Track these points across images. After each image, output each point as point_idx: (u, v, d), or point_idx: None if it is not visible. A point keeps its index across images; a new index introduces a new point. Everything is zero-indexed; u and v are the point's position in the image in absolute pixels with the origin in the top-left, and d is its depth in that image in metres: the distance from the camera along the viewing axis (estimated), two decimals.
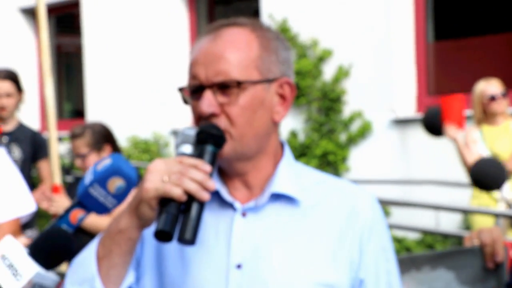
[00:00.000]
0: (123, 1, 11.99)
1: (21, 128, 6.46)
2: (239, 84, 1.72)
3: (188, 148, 1.70)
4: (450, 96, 6.93)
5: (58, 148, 5.46)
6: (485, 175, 6.00)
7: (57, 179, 5.06)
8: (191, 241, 1.59)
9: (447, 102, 6.80)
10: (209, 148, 1.67)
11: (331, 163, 9.48)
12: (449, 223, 8.27)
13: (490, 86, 6.71)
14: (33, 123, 12.33)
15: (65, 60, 14.46)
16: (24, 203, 4.00)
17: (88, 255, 1.72)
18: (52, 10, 13.10)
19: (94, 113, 11.78)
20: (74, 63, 13.67)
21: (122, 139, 9.94)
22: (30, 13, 13.52)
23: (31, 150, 6.34)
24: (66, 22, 14.14)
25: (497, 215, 6.29)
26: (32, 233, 5.49)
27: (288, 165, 1.85)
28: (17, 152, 6.19)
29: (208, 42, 1.76)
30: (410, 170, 9.02)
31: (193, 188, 1.57)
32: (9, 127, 6.32)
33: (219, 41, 1.74)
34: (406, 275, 2.51)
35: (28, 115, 12.79)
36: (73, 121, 10.51)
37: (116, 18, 12.26)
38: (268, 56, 1.77)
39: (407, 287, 2.53)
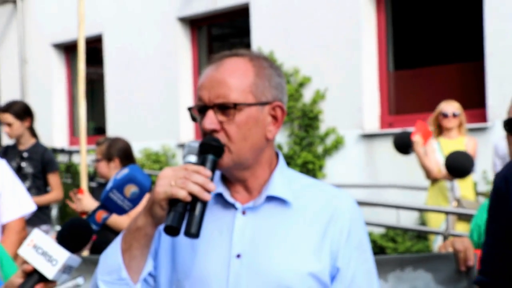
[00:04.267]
0: (138, 39, 12.17)
1: (35, 147, 6.55)
2: (235, 106, 1.74)
3: (192, 158, 1.73)
4: (423, 122, 7.02)
5: (86, 159, 5.65)
6: (457, 164, 6.32)
7: (84, 184, 5.22)
8: (196, 235, 1.63)
9: (419, 124, 6.92)
10: (209, 157, 1.70)
11: (310, 171, 9.54)
12: (408, 220, 8.34)
13: (446, 106, 6.81)
14: (62, 138, 13.31)
15: (89, 87, 14.56)
16: (26, 204, 4.26)
17: (114, 250, 1.77)
18: (74, 45, 13.46)
19: (113, 130, 11.85)
20: (97, 89, 13.74)
21: (136, 151, 9.71)
22: (62, 47, 13.82)
23: (40, 165, 6.40)
24: (90, 54, 14.10)
25: (447, 213, 6.21)
26: (47, 228, 5.76)
27: (281, 172, 1.87)
28: (29, 168, 6.26)
29: (212, 70, 1.79)
30: (375, 176, 9.18)
31: (196, 190, 1.61)
32: (23, 146, 6.44)
33: (221, 69, 1.77)
34: (391, 274, 2.62)
35: (58, 132, 13.62)
36: (96, 137, 9.66)
37: (132, 53, 12.41)
38: (262, 82, 1.79)
39: (392, 284, 2.66)
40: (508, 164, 2.21)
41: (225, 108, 1.75)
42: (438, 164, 6.67)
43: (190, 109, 1.81)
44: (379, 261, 2.37)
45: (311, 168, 9.58)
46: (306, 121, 9.76)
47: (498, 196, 2.16)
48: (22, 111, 6.37)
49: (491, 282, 2.14)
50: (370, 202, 8.23)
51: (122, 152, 5.23)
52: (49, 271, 1.75)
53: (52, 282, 1.76)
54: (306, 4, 9.98)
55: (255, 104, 1.78)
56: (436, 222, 6.82)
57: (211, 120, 1.73)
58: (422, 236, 8.30)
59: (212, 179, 1.67)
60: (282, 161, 1.89)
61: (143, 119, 11.80)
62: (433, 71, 9.45)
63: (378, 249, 8.52)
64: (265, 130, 1.79)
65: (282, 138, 9.98)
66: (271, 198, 1.82)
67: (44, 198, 6.20)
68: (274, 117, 1.80)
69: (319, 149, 9.66)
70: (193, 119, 1.82)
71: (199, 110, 1.76)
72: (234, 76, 1.77)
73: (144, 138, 11.47)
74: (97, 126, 13.41)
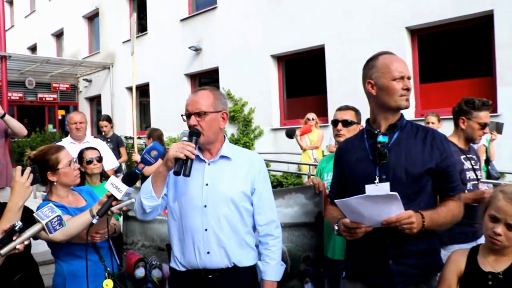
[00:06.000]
0: (169, 85, 15.16)
1: (113, 135, 8.18)
2: (205, 113, 2.38)
3: (185, 138, 2.38)
4: (309, 125, 8.55)
5: (137, 142, 7.12)
6: (288, 133, 8.49)
7: (136, 150, 6.54)
8: (188, 175, 2.27)
9: (306, 126, 8.50)
10: (194, 138, 2.35)
11: (247, 147, 11.66)
12: (292, 168, 10.37)
13: (310, 115, 8.57)
14: (130, 131, 16.57)
15: (143, 105, 17.45)
16: (114, 162, 5.68)
17: (148, 182, 2.42)
18: (137, 87, 15.85)
19: (154, 125, 13.73)
20: (146, 106, 16.88)
21: (166, 137, 11.84)
22: (129, 89, 17.34)
23: (116, 144, 7.97)
24: (143, 93, 16.90)
25: (310, 165, 7.77)
26: (120, 174, 5.75)
27: (227, 144, 2.57)
28: (110, 145, 7.39)
29: (193, 95, 2.49)
30: (277, 148, 11.83)
31: (187, 153, 2.24)
32: (108, 135, 8.11)
33: (197, 95, 2.48)
34: (285, 195, 3.40)
35: (128, 128, 17.05)
36: (145, 131, 10.28)
37: (161, 90, 15.65)
38: (217, 100, 2.49)
39: (281, 202, 3.28)
40: (345, 140, 2.72)
41: (199, 114, 2.39)
42: (306, 143, 8.50)
43: (182, 115, 2.47)
44: (283, 191, 3.48)
45: (248, 146, 12.23)
46: (245, 123, 12.72)
47: (336, 156, 2.63)
48: (110, 119, 8.46)
49: (334, 196, 2.54)
50: (275, 160, 10.02)
51: (157, 136, 6.76)
52: (118, 195, 2.38)
53: (120, 200, 2.42)
54: (251, 64, 12.53)
55: (214, 112, 2.43)
56: (305, 168, 8.68)
57: (193, 120, 2.38)
58: (299, 176, 9.81)
59: (195, 148, 2.28)
60: (227, 139, 2.57)
61: (169, 122, 13.57)
62: (309, 98, 11.61)
63: (279, 183, 10.40)
64: (219, 124, 2.47)
65: (234, 131, 12.91)
66: (222, 157, 2.51)
67: (120, 160, 7.45)
68: (223, 118, 2.48)
69: (251, 136, 12.63)
70: (184, 120, 2.48)
71: (187, 116, 2.43)
72: (203, 99, 2.45)
73: (170, 131, 13.34)
74: (147, 125, 16.59)
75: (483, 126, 3.57)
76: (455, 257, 2.23)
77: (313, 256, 3.38)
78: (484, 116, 3.55)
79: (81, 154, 4.26)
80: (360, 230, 2.20)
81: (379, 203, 2.07)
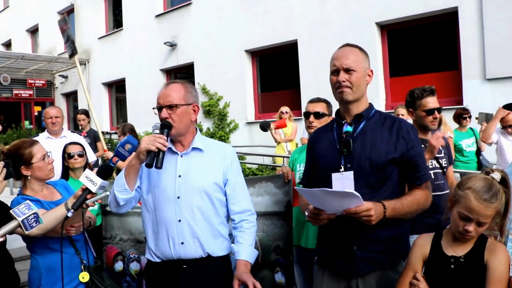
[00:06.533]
0: (145, 80, 15.00)
1: (90, 130, 7.68)
2: (176, 106, 2.39)
3: (157, 131, 2.40)
4: (283, 119, 8.58)
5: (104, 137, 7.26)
6: (263, 126, 8.28)
7: (105, 147, 6.82)
8: (160, 167, 2.29)
9: (279, 121, 8.47)
10: (165, 130, 2.36)
11: (223, 140, 11.80)
12: (266, 160, 10.64)
13: (284, 109, 8.65)
14: (107, 126, 16.96)
15: (119, 101, 17.54)
16: (92, 156, 5.58)
17: (121, 175, 2.41)
18: (114, 83, 16.85)
19: (130, 121, 11.87)
20: (122, 102, 16.98)
21: (142, 132, 12.84)
22: (106, 85, 17.66)
23: (93, 138, 7.48)
24: (119, 88, 17.24)
25: (283, 157, 7.94)
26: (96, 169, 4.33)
27: (199, 136, 2.57)
28: (87, 139, 6.99)
29: (164, 89, 2.49)
30: (251, 141, 11.94)
31: (159, 146, 2.26)
32: (84, 130, 7.64)
33: (168, 88, 2.49)
34: (256, 184, 3.48)
35: (105, 122, 17.13)
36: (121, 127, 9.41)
37: (137, 86, 15.54)
38: (188, 93, 2.49)
39: (252, 191, 3.31)
40: (316, 129, 2.74)
41: (171, 107, 2.40)
42: (280, 136, 8.52)
43: (154, 108, 2.49)
44: (253, 179, 3.56)
45: (223, 139, 12.19)
46: (221, 117, 12.80)
47: (308, 145, 2.67)
48: (87, 113, 7.94)
49: (305, 183, 2.62)
50: (250, 153, 10.71)
51: (129, 129, 6.56)
52: (93, 188, 2.41)
53: (95, 193, 2.45)
54: (226, 59, 12.58)
55: (185, 104, 2.44)
56: (279, 161, 8.86)
57: (165, 113, 2.40)
58: (273, 168, 9.66)
59: (166, 140, 2.30)
60: (199, 132, 2.58)
61: (143, 117, 13.01)
62: (284, 92, 11.76)
63: (254, 175, 9.94)
64: (190, 117, 2.49)
65: (210, 125, 12.96)
66: (194, 148, 2.51)
67: (97, 154, 7.07)
68: (194, 111, 2.50)
69: (227, 130, 12.73)
70: (156, 113, 2.49)
71: (158, 109, 2.45)
72: (174, 92, 2.45)
73: (143, 126, 13.05)
74: (123, 120, 16.18)
75: (430, 111, 3.48)
76: (420, 242, 2.23)
77: (283, 246, 3.43)
78: (427, 102, 3.47)
79: (64, 149, 4.28)
80: (322, 216, 2.21)
81: (338, 197, 2.08)
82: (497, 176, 2.05)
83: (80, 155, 4.22)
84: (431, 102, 3.49)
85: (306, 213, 2.31)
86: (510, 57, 8.03)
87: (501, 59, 8.12)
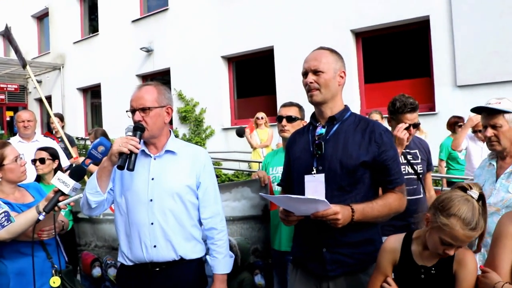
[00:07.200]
0: (121, 85, 14.46)
1: (65, 134, 7.21)
2: (149, 108, 2.39)
3: (130, 133, 2.53)
4: (252, 123, 8.97)
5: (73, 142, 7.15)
6: (239, 132, 9.03)
7: (81, 160, 6.03)
8: (132, 169, 2.27)
9: (250, 124, 9.01)
10: (138, 133, 2.36)
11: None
12: (242, 166, 10.82)
13: (259, 114, 8.86)
14: (82, 132, 16.76)
15: (94, 106, 17.46)
16: (65, 161, 5.47)
17: (93, 177, 2.38)
18: (89, 88, 16.60)
19: (106, 127, 11.29)
20: (97, 107, 16.77)
21: (114, 137, 12.95)
22: (81, 90, 17.43)
23: (70, 143, 7.00)
24: (94, 94, 17.17)
25: (259, 162, 7.78)
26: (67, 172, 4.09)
27: (172, 139, 2.56)
28: (62, 144, 6.69)
29: (137, 91, 2.49)
30: (227, 147, 11.90)
31: (131, 148, 2.25)
32: (58, 135, 7.25)
33: (141, 90, 2.49)
34: (232, 189, 3.42)
35: (80, 129, 16.95)
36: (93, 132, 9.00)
37: (113, 91, 15.15)
38: (161, 96, 2.48)
39: (229, 196, 3.32)
40: (294, 132, 2.70)
41: (144, 110, 2.39)
42: (256, 141, 8.76)
43: (127, 111, 2.44)
44: (230, 184, 3.55)
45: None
46: (197, 123, 12.77)
47: (286, 147, 2.69)
48: (62, 117, 8.29)
49: (283, 184, 2.66)
50: (226, 158, 11.19)
51: (102, 134, 6.55)
52: (65, 190, 2.37)
53: (67, 195, 2.39)
54: (202, 64, 12.56)
55: (158, 107, 2.43)
56: (255, 166, 8.81)
57: (138, 116, 2.39)
58: (249, 174, 9.80)
59: (139, 143, 2.31)
60: (172, 134, 2.57)
61: (116, 122, 12.01)
62: (259, 98, 11.85)
63: (230, 181, 9.49)
64: (164, 119, 2.48)
65: (186, 131, 12.93)
66: (167, 151, 2.51)
67: (71, 160, 6.63)
68: (168, 113, 2.49)
69: (203, 136, 12.69)
70: (129, 116, 2.47)
71: (131, 112, 2.44)
72: (147, 94, 2.44)
73: (117, 131, 9.74)
74: (99, 126, 15.40)
75: (407, 127, 3.45)
76: (389, 246, 2.19)
77: (262, 248, 3.43)
78: (405, 118, 3.45)
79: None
80: (292, 218, 2.21)
81: (305, 202, 2.08)
82: (475, 194, 1.97)
83: (41, 161, 4.11)
84: (410, 118, 3.46)
85: (279, 214, 2.31)
86: (479, 65, 8.23)
87: (471, 67, 8.33)
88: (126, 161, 2.26)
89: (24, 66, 6.30)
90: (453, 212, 1.91)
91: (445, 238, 1.93)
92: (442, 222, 1.92)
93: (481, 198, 1.98)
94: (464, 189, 1.98)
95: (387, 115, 3.58)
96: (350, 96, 9.46)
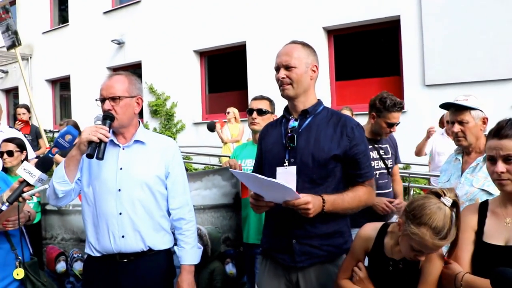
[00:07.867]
0: (91, 78, 14.30)
1: (32, 127, 7.57)
2: (119, 98, 2.40)
3: (99, 122, 2.42)
4: (222, 119, 9.02)
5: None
6: (210, 126, 8.81)
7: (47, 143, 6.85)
8: (101, 158, 2.27)
9: (220, 120, 9.01)
10: (108, 122, 2.36)
11: None
12: (213, 160, 10.61)
13: (231, 109, 8.68)
14: (49, 124, 15.96)
15: (63, 99, 17.08)
16: (31, 153, 5.45)
17: (61, 166, 2.36)
18: (58, 80, 16.23)
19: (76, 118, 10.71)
20: (66, 100, 16.42)
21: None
22: (49, 81, 16.85)
23: (35, 135, 7.42)
24: (63, 86, 16.81)
25: (229, 156, 5.68)
26: (33, 161, 4.41)
27: (141, 129, 2.58)
28: (29, 136, 6.89)
29: (108, 80, 2.50)
30: (199, 142, 11.72)
31: (101, 136, 2.25)
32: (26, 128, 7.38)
33: (112, 79, 2.49)
34: (197, 179, 3.42)
35: (46, 120, 15.72)
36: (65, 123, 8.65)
37: (82, 84, 14.94)
38: (132, 86, 2.50)
39: (200, 185, 3.28)
40: (266, 124, 2.70)
41: (114, 99, 2.40)
42: (227, 136, 8.67)
43: (96, 99, 2.50)
44: (201, 173, 3.67)
45: None
46: (168, 117, 12.67)
47: (258, 139, 2.67)
48: (28, 108, 7.69)
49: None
50: (197, 153, 10.92)
51: (73, 126, 4.88)
52: (31, 180, 2.29)
53: (32, 186, 2.30)
54: (174, 58, 12.42)
55: (129, 97, 2.44)
56: (225, 160, 7.47)
57: (107, 105, 2.40)
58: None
59: (109, 132, 2.33)
60: (141, 125, 2.60)
61: (86, 113, 10.51)
62: (233, 94, 11.79)
63: None
64: (134, 109, 2.49)
65: (157, 125, 12.80)
66: (136, 141, 2.52)
67: (38, 152, 7.03)
68: (138, 103, 2.52)
69: (174, 130, 12.61)
70: (98, 105, 2.49)
71: (101, 101, 2.45)
72: (118, 83, 2.46)
73: (86, 123, 12.20)
74: (67, 117, 15.75)
75: (391, 125, 3.61)
76: (364, 234, 2.22)
77: (233, 237, 3.45)
78: (392, 117, 3.58)
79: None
80: (261, 203, 2.22)
81: (274, 187, 2.08)
82: (448, 202, 1.92)
83: (9, 154, 4.03)
84: (396, 117, 3.60)
85: (250, 199, 2.32)
86: (446, 65, 8.36)
87: (439, 66, 8.47)
88: (96, 150, 2.25)
89: (10, 48, 6.10)
90: (424, 221, 1.90)
91: (415, 246, 1.94)
92: (411, 232, 1.92)
93: (455, 204, 1.96)
94: (438, 195, 1.95)
95: (358, 112, 3.64)
96: (322, 92, 9.09)
